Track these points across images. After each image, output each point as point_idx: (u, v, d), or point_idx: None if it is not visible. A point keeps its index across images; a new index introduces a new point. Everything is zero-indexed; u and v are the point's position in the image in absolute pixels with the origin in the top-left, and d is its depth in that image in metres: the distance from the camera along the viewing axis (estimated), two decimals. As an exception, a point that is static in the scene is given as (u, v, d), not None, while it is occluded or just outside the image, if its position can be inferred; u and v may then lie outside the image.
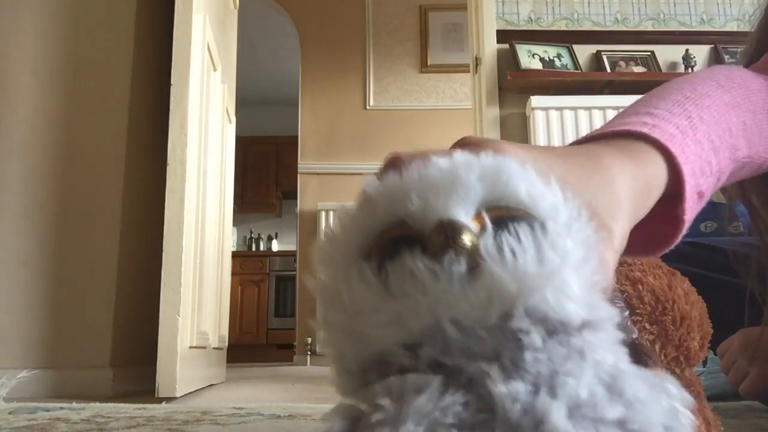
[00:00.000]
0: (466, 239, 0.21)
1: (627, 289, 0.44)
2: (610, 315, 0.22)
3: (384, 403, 0.19)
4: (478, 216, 0.22)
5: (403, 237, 0.22)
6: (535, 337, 0.20)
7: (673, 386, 0.21)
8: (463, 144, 0.29)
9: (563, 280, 0.21)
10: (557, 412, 0.18)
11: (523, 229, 0.21)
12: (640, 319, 0.43)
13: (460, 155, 0.24)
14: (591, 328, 0.21)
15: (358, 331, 0.21)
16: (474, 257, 0.21)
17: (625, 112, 0.38)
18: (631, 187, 0.30)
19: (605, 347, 0.21)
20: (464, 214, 0.22)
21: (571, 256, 0.21)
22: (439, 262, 0.21)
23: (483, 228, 0.21)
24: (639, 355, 0.40)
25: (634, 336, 0.41)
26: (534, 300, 0.20)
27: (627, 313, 0.42)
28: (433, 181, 0.22)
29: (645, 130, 0.34)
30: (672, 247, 0.36)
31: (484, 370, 0.19)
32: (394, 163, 0.25)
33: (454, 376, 0.20)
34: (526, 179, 0.23)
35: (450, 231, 0.21)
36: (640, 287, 0.44)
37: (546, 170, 0.25)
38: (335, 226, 0.24)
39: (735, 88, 0.44)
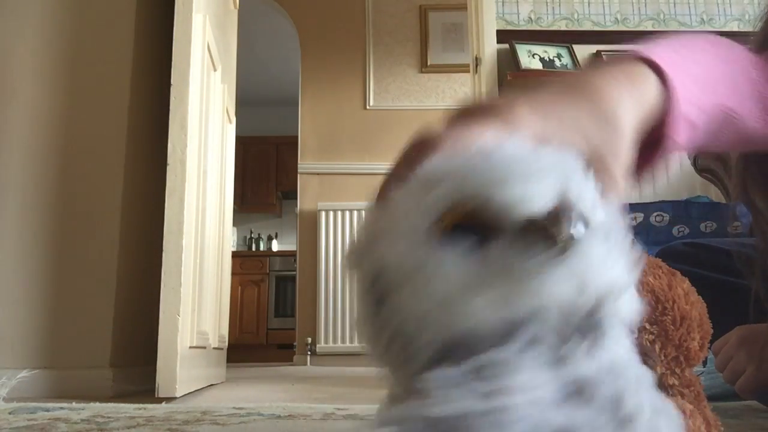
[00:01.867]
0: (575, 231, 0.23)
1: None
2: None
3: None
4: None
5: (479, 213, 0.23)
6: (618, 328, 0.24)
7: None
8: (473, 117, 0.31)
9: (632, 286, 0.24)
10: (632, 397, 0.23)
11: (598, 228, 0.24)
12: (640, 319, 0.43)
13: (518, 143, 0.26)
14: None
15: (449, 312, 0.22)
16: (577, 246, 0.23)
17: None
18: (633, 111, 0.33)
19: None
20: (550, 201, 0.23)
21: (626, 261, 0.25)
22: (549, 251, 0.22)
23: (575, 220, 0.23)
24: (639, 355, 0.41)
25: (634, 336, 0.41)
26: (620, 300, 0.24)
27: None
28: (512, 166, 0.23)
29: (641, 51, 0.37)
30: (656, 165, 0.38)
31: (574, 351, 0.23)
32: (431, 145, 0.27)
33: (544, 354, 0.22)
34: (577, 175, 0.25)
35: (562, 220, 0.22)
36: (640, 287, 0.44)
37: (563, 134, 0.30)
38: (387, 203, 0.24)
39: (725, 47, 0.45)
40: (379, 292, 0.24)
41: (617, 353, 0.24)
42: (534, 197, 0.22)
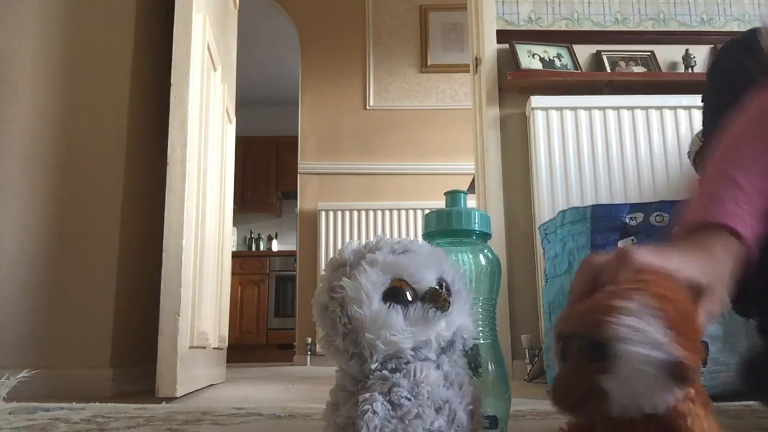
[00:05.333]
0: (450, 299, 0.48)
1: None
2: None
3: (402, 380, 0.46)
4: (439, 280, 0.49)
5: (405, 284, 0.46)
6: (460, 348, 0.49)
7: None
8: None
9: (470, 324, 0.50)
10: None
11: (456, 294, 0.49)
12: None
13: (422, 249, 0.50)
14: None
15: (389, 341, 0.44)
16: (449, 306, 0.47)
17: (709, 184, 0.59)
18: (727, 260, 0.53)
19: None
20: (434, 280, 0.48)
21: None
22: (440, 309, 0.46)
23: (448, 291, 0.48)
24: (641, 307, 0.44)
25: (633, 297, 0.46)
26: (466, 334, 0.49)
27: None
28: (420, 261, 0.47)
29: (727, 222, 0.54)
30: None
31: (444, 360, 0.48)
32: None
33: (432, 362, 0.46)
34: (447, 265, 0.49)
35: (442, 292, 0.47)
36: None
37: (685, 268, 0.49)
38: (360, 278, 0.45)
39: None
40: (347, 326, 0.44)
41: (462, 361, 0.49)
42: (426, 278, 0.46)
